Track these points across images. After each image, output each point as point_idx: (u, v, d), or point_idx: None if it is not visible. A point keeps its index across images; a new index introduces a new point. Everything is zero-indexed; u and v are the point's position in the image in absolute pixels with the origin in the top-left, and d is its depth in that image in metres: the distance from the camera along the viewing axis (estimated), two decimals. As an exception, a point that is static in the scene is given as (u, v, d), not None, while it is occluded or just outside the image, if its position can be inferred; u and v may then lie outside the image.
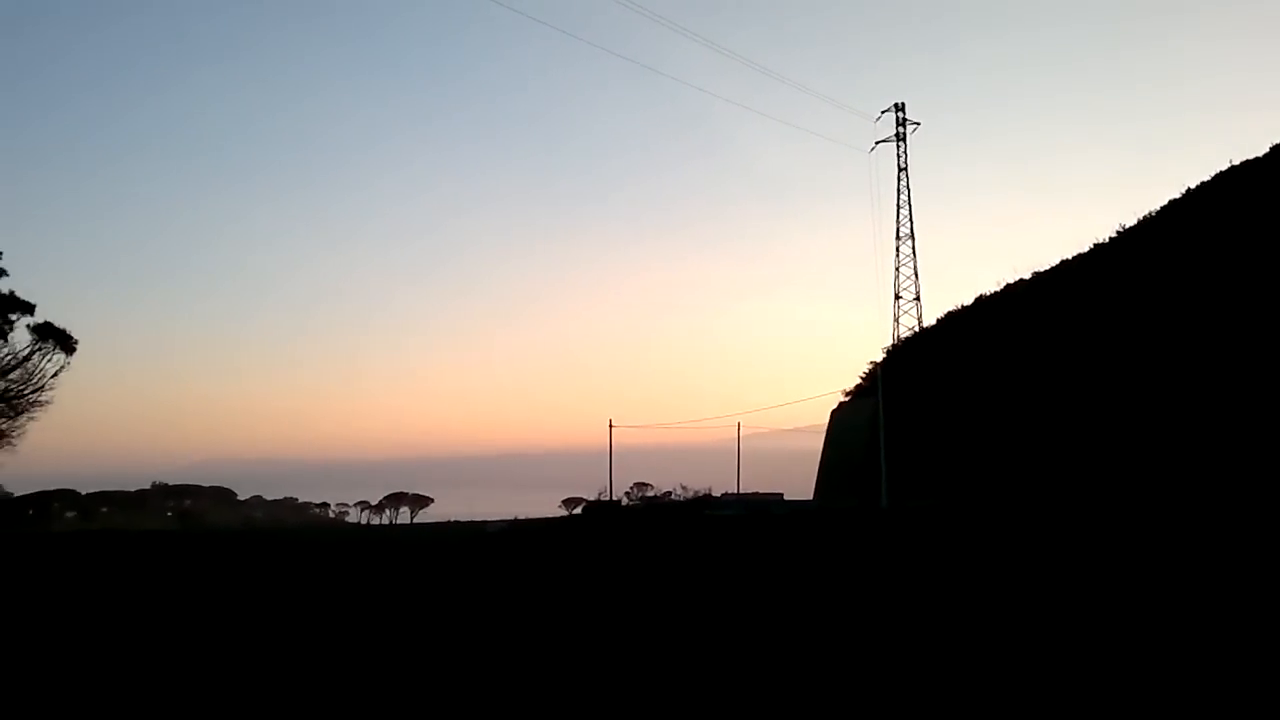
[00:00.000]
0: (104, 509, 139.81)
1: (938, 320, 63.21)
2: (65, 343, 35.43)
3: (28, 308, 34.58)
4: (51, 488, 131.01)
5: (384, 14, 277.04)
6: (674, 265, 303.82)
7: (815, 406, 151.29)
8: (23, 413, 35.79)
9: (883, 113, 75.15)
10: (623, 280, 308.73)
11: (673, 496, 60.62)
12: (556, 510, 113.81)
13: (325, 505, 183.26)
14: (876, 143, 75.49)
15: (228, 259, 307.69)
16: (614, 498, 67.70)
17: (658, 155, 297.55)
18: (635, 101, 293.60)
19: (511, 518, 67.44)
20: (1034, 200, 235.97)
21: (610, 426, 72.36)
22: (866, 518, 38.08)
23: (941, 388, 51.92)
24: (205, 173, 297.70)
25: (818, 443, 69.67)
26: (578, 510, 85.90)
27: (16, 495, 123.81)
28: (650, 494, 74.39)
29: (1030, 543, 22.25)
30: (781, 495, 60.64)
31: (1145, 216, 45.19)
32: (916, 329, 68.85)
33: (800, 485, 69.02)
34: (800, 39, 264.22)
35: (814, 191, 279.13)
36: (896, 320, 71.72)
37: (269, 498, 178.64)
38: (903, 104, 74.45)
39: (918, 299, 71.75)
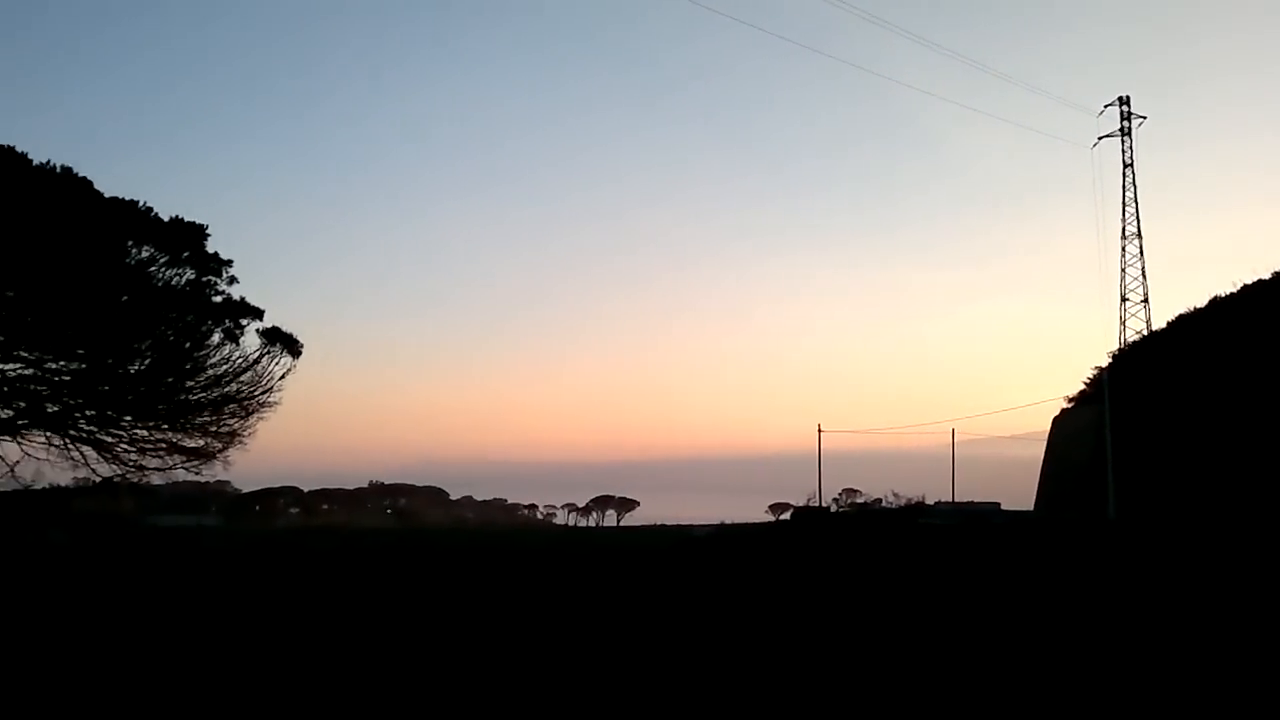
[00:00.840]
0: (324, 506, 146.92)
1: (1168, 323, 59.72)
2: (291, 346, 36.64)
3: (257, 313, 35.90)
4: (276, 485, 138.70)
5: (565, 9, 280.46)
6: (885, 267, 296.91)
7: (1035, 413, 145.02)
8: (252, 413, 37.22)
9: (1106, 107, 71.59)
10: (832, 282, 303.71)
11: (883, 504, 59.04)
12: (763, 515, 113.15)
13: (533, 506, 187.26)
14: (1099, 138, 71.97)
15: (444, 265, 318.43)
16: (823, 504, 66.65)
17: (867, 155, 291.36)
18: (841, 99, 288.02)
19: (718, 522, 67.14)
20: (1272, 196, 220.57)
21: (819, 431, 71.35)
22: (1093, 530, 35.85)
23: (1174, 394, 48.75)
24: (424, 179, 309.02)
25: (1037, 451, 66.65)
26: (785, 515, 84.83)
27: (245, 491, 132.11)
28: (860, 500, 73.00)
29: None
30: (998, 505, 58.16)
31: None
32: (1145, 332, 65.41)
33: (1019, 495, 66.17)
34: (1015, 31, 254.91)
35: (1032, 190, 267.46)
36: (1123, 324, 68.22)
37: (479, 498, 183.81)
38: (1127, 97, 70.69)
39: (1146, 301, 68.03)
